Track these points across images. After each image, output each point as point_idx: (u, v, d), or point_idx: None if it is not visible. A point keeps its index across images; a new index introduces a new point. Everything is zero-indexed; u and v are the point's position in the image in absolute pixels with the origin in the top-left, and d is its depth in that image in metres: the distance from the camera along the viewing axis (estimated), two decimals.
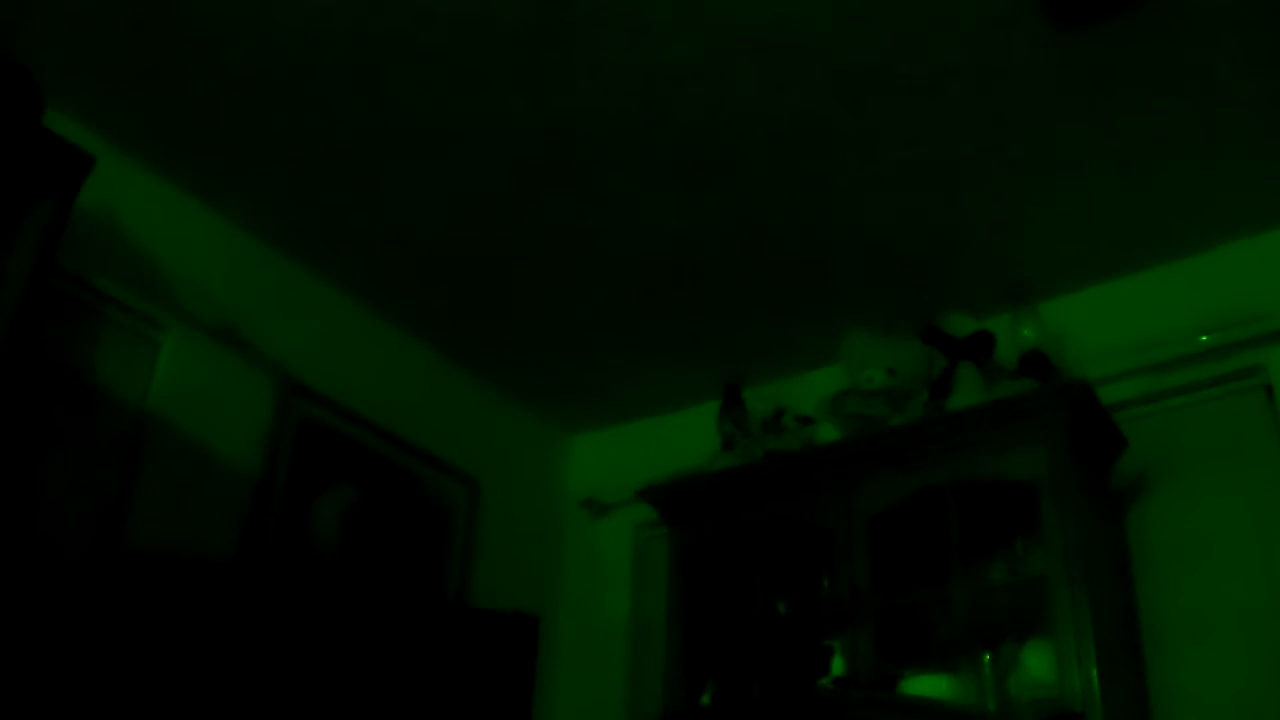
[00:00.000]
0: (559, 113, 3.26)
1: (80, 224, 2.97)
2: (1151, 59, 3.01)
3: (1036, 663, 3.15)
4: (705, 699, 3.57)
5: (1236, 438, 3.47)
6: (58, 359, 3.14)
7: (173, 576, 3.09)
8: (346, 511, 3.81)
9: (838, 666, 3.35)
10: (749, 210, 3.58)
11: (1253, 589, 3.27)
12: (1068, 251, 3.69)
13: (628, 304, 4.03)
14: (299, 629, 3.34)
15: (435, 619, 3.80)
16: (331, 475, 3.81)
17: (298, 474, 3.70)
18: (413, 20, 3.00)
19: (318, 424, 3.80)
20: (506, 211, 3.64)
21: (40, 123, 2.64)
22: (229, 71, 3.17)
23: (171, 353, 3.42)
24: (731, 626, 3.67)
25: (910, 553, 3.48)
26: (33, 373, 2.96)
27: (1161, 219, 3.55)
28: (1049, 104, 3.16)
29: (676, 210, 3.60)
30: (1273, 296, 3.46)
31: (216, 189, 3.59)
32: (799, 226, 3.64)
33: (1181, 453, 3.52)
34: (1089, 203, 3.50)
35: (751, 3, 2.91)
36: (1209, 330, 3.52)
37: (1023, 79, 3.09)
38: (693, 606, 3.73)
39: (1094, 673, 2.93)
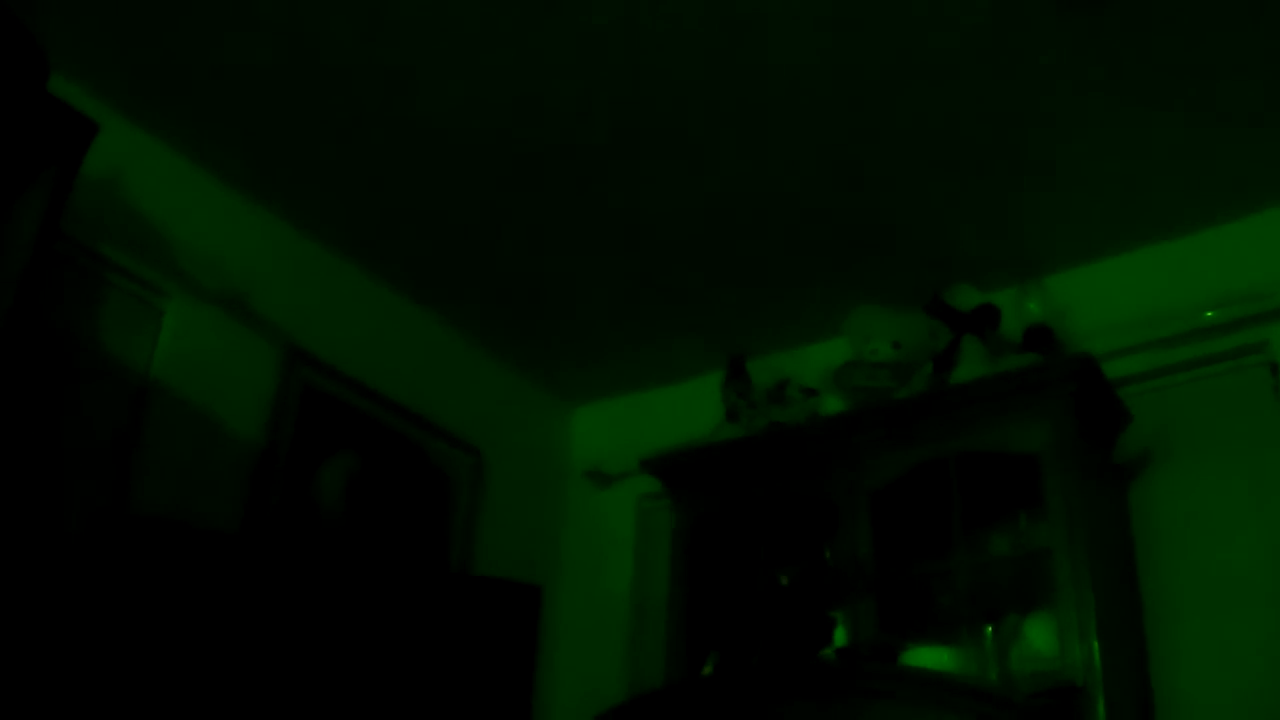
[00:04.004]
0: (557, 85, 3.25)
1: (84, 191, 2.95)
2: (1156, 37, 2.99)
3: (1038, 635, 3.15)
4: (707, 669, 3.57)
5: (1240, 413, 3.47)
6: (62, 327, 3.13)
7: (177, 545, 3.10)
8: (350, 480, 3.81)
9: (840, 638, 3.35)
10: (754, 184, 3.57)
11: (1254, 563, 3.28)
12: (1073, 227, 3.68)
13: (633, 276, 4.03)
14: (303, 597, 3.35)
15: (438, 588, 3.81)
16: (335, 444, 3.81)
17: (302, 442, 3.70)
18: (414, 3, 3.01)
19: (322, 392, 3.80)
20: (511, 184, 3.63)
21: (45, 89, 2.62)
22: (235, 38, 3.15)
23: (175, 320, 3.42)
24: (734, 597, 3.68)
25: (913, 525, 3.48)
26: (36, 340, 2.96)
27: (1167, 195, 3.53)
28: (1055, 81, 3.14)
29: (682, 183, 3.58)
30: (1278, 273, 3.45)
31: (221, 156, 3.58)
32: (803, 201, 3.63)
33: (1185, 428, 3.52)
34: (1095, 178, 3.49)
35: None
36: (1214, 306, 3.51)
37: (1029, 57, 3.07)
38: (695, 577, 3.74)
39: (1095, 646, 2.94)
